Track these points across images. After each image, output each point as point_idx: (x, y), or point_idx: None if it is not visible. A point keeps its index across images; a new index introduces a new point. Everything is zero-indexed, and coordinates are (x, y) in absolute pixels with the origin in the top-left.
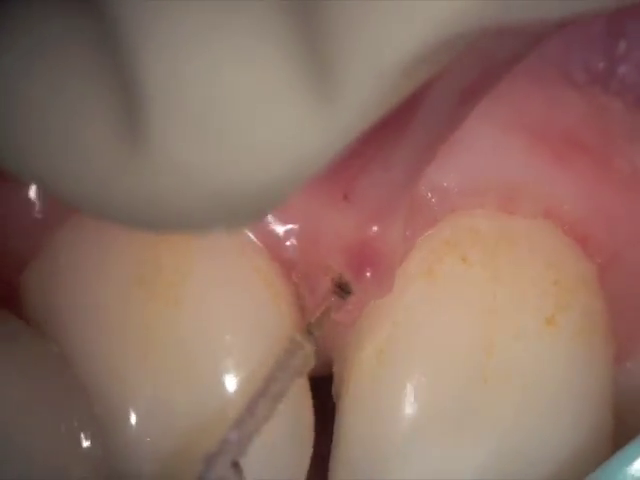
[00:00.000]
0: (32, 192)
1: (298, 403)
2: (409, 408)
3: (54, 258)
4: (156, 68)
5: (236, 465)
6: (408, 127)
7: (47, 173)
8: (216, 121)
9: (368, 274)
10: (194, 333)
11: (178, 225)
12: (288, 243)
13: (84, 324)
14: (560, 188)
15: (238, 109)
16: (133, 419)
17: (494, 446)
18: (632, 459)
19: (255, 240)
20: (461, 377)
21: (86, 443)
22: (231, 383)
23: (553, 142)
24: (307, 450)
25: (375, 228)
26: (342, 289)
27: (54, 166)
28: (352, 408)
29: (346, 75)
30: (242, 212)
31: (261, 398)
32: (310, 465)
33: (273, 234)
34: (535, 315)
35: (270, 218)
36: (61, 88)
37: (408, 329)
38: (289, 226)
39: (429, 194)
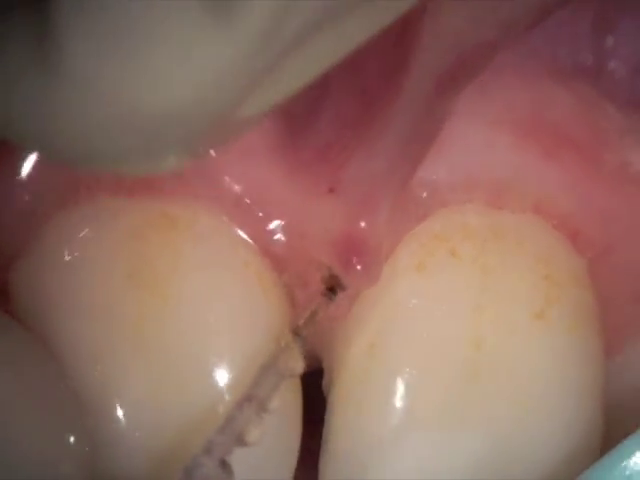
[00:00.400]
0: (19, 188)
1: (287, 397)
2: (399, 402)
3: (43, 253)
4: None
5: (224, 464)
6: (388, 117)
7: None
8: (121, 43)
9: (357, 266)
10: (184, 328)
11: (93, 152)
12: (276, 238)
13: (73, 319)
14: (549, 183)
15: (140, 31)
16: (121, 415)
17: (484, 440)
18: (627, 456)
19: (244, 235)
20: (451, 371)
21: (73, 439)
22: (221, 378)
23: (542, 137)
24: (294, 444)
25: (361, 219)
26: (331, 289)
27: None
28: (343, 402)
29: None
30: (159, 138)
31: (247, 402)
32: (300, 460)
33: (261, 229)
34: (525, 309)
35: (257, 213)
36: None
37: (398, 323)
38: (277, 221)
39: (419, 189)
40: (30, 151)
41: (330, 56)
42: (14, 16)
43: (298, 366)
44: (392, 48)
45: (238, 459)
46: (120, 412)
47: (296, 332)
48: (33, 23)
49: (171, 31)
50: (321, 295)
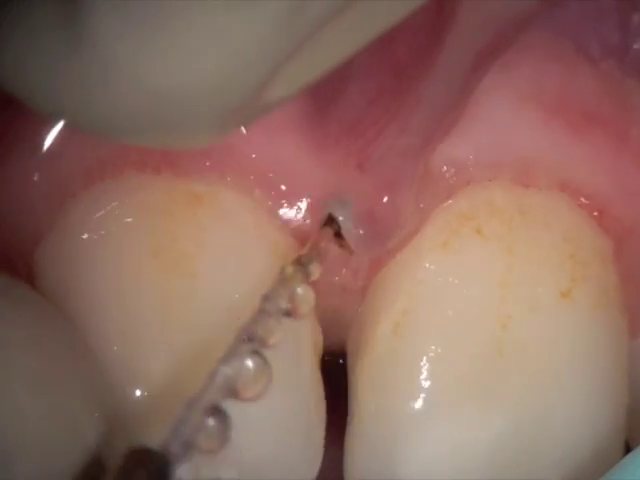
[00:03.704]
0: (44, 165)
1: (307, 377)
2: (425, 381)
3: (68, 231)
4: None
5: (217, 412)
6: (422, 92)
7: None
8: (148, 22)
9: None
10: (209, 305)
11: (118, 126)
12: (302, 215)
13: (98, 297)
14: (576, 161)
15: (167, 10)
16: (145, 391)
17: (510, 419)
18: None
19: (269, 213)
20: (477, 350)
21: (97, 413)
22: None
23: (569, 115)
24: (320, 423)
25: (388, 195)
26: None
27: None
28: (368, 381)
29: None
30: (186, 116)
31: (245, 338)
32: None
33: (287, 206)
34: (551, 288)
35: (283, 190)
36: None
37: (424, 302)
38: (303, 198)
39: (445, 166)
40: (53, 119)
41: (359, 38)
42: None
43: (307, 297)
44: (426, 23)
45: (263, 435)
46: (144, 388)
47: (299, 262)
48: None
49: (197, 11)
50: (321, 227)
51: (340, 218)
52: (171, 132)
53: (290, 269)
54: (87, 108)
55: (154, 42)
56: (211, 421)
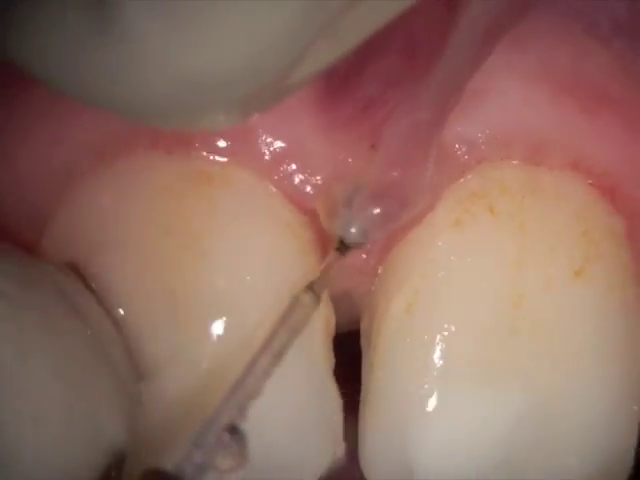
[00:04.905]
0: (58, 142)
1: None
2: (438, 359)
3: (80, 208)
4: None
5: (234, 430)
6: (434, 69)
7: (24, 51)
8: (179, 12)
9: (376, 210)
10: (219, 284)
11: (143, 107)
12: (313, 195)
13: (109, 274)
14: (587, 140)
15: (199, 3)
16: (161, 367)
17: (523, 397)
18: None
19: (281, 191)
20: (490, 328)
21: (116, 401)
22: (256, 335)
23: (580, 94)
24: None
25: (398, 170)
26: (344, 245)
27: (31, 43)
28: (382, 360)
29: None
30: (209, 100)
31: (261, 356)
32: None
33: (298, 185)
34: (564, 266)
35: (295, 169)
36: None
37: (436, 281)
38: (316, 177)
39: (456, 145)
40: (81, 101)
41: (367, 26)
42: None
43: (309, 319)
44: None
45: (276, 419)
46: (159, 365)
47: (310, 287)
48: None
49: (223, 3)
50: (334, 250)
51: (352, 230)
52: (196, 116)
53: (304, 296)
54: (114, 92)
55: (182, 30)
56: (228, 440)
